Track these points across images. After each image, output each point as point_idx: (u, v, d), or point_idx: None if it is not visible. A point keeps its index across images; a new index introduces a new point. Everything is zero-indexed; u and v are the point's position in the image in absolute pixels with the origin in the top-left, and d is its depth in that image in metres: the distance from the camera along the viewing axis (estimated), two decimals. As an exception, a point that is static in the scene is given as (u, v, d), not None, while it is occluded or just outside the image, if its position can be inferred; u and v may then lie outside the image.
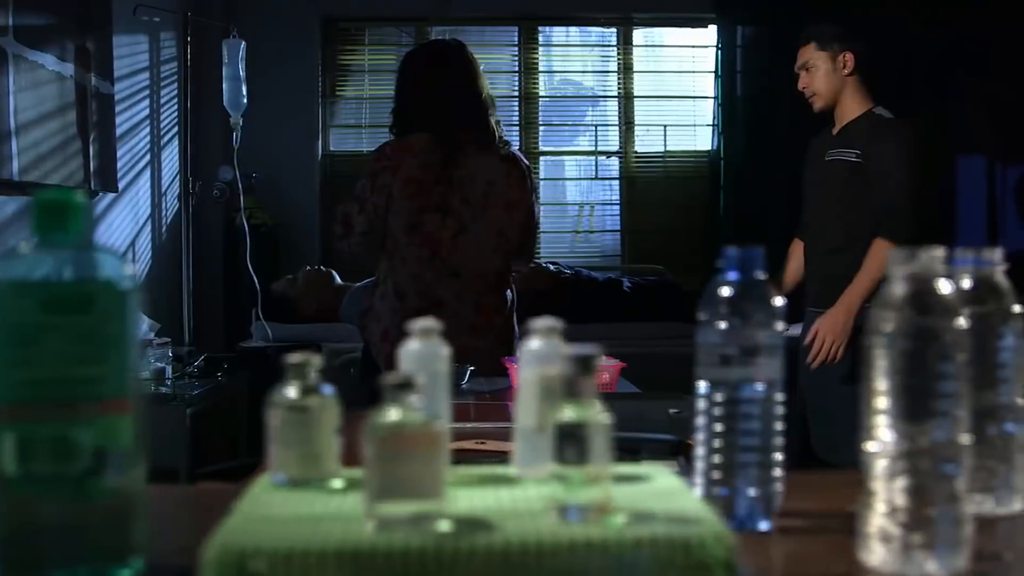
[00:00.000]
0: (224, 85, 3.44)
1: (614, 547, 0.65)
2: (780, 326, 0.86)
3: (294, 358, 0.80)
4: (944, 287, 0.73)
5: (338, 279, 3.96)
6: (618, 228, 4.96)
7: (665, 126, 4.96)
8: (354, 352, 3.04)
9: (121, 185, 3.63)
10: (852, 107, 2.90)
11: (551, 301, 4.02)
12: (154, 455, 0.94)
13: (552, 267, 4.31)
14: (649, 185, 4.95)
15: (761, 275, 0.87)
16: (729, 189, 4.81)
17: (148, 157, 3.94)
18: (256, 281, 3.52)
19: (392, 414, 0.68)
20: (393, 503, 0.68)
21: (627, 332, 3.82)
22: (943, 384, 0.70)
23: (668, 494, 0.77)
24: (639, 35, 4.97)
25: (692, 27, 4.93)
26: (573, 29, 5.04)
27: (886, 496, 0.73)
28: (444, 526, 0.68)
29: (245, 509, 0.74)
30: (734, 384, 0.85)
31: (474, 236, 2.55)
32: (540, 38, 4.97)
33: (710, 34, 4.87)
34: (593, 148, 4.99)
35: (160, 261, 3.98)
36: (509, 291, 2.71)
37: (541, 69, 4.97)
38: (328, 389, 0.82)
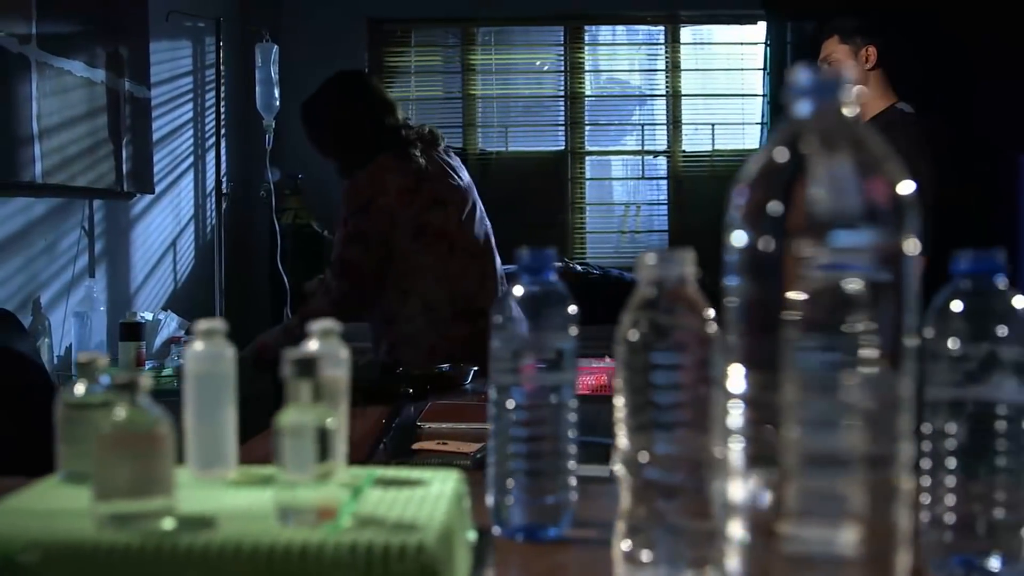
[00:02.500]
0: (257, 88, 3.53)
1: (312, 552, 0.65)
2: (573, 331, 0.84)
3: (82, 357, 0.82)
4: (690, 293, 0.70)
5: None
6: (665, 228, 4.90)
7: (713, 125, 4.87)
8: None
9: (162, 187, 3.76)
10: (874, 102, 2.80)
11: (576, 301, 3.99)
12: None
13: (579, 267, 4.28)
14: (697, 185, 4.86)
15: (554, 278, 0.85)
16: (778, 189, 4.69)
17: (191, 159, 4.06)
18: (286, 281, 3.60)
19: (118, 413, 0.70)
20: (116, 501, 0.69)
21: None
22: (663, 394, 0.67)
23: (424, 501, 0.76)
24: (687, 33, 4.89)
25: (740, 24, 4.82)
26: (619, 28, 4.98)
27: (625, 509, 0.70)
28: (167, 525, 0.69)
29: (10, 502, 0.76)
30: (524, 389, 0.83)
31: (475, 210, 2.60)
32: (586, 37, 4.93)
33: (759, 31, 4.76)
34: (640, 147, 4.94)
35: (202, 261, 4.10)
36: None
37: (587, 68, 4.94)
38: (117, 388, 0.83)
